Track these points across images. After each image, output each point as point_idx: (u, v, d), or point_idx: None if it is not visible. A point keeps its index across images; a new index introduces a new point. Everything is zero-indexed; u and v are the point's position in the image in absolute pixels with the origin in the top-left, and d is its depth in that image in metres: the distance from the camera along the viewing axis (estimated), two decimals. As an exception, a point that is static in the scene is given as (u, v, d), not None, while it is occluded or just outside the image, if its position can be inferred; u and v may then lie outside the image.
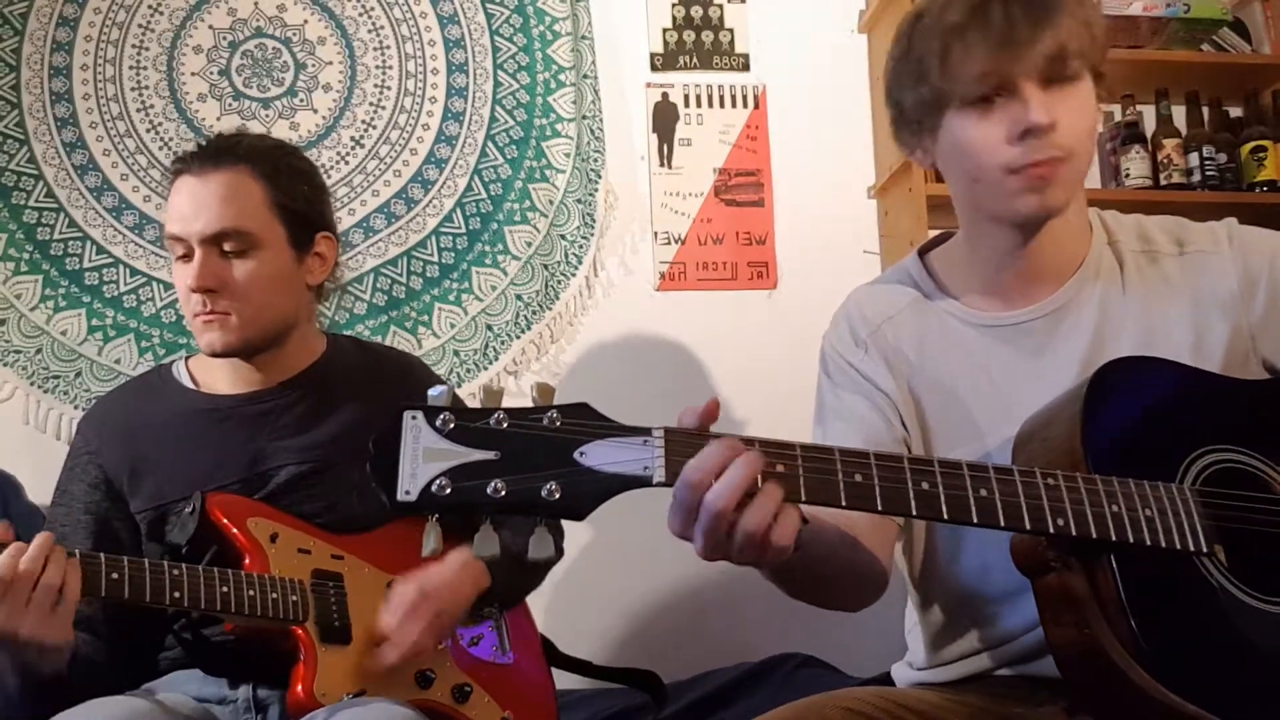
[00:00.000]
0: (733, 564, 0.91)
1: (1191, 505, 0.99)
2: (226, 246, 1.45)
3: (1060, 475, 0.96)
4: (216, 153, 1.48)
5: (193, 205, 1.45)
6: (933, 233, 1.45)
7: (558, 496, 0.82)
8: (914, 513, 0.92)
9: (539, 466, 0.82)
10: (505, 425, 0.83)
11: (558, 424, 0.84)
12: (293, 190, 1.51)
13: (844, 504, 0.90)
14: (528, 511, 0.83)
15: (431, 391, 0.84)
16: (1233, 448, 1.05)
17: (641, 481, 0.85)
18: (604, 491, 0.83)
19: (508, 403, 0.85)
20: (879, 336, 1.27)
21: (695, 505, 0.86)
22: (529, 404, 0.86)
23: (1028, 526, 0.94)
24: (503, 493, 0.81)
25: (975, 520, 0.93)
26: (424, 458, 0.81)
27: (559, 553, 1.48)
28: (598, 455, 0.84)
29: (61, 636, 1.23)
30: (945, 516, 0.92)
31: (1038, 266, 1.21)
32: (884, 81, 1.23)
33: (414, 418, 0.83)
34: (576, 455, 0.83)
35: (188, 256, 1.46)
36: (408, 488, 0.81)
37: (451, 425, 0.82)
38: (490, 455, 0.82)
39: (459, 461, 0.82)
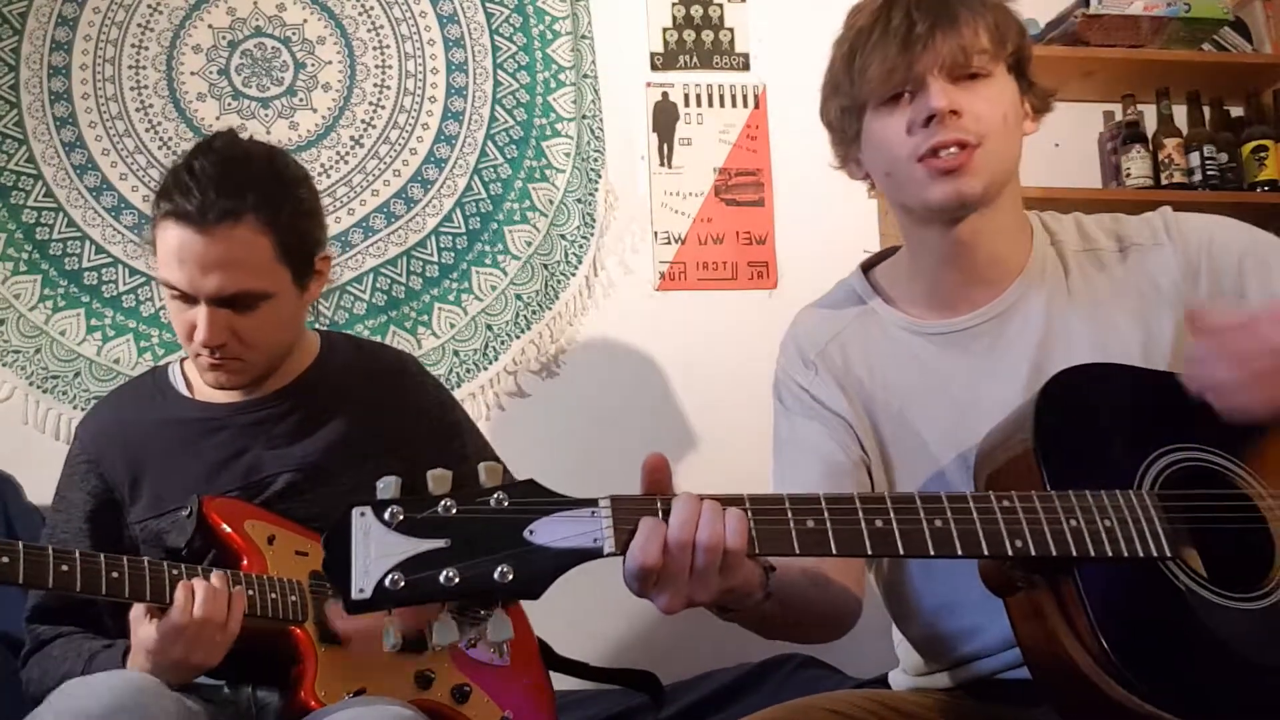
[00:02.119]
0: (699, 603, 0.90)
1: (1151, 510, 0.97)
2: (236, 303, 1.40)
3: (1015, 496, 0.95)
4: (220, 203, 1.36)
5: (199, 265, 1.37)
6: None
7: (511, 578, 0.81)
8: (869, 552, 0.92)
9: (490, 550, 0.82)
10: (454, 511, 0.83)
11: (505, 504, 0.84)
12: (296, 230, 1.44)
13: (797, 551, 0.90)
14: (482, 596, 0.82)
15: (379, 485, 0.84)
16: (1191, 445, 1.05)
17: (593, 554, 0.85)
18: (557, 568, 0.83)
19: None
20: (826, 357, 1.26)
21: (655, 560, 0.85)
22: (479, 486, 0.86)
23: (986, 552, 0.94)
24: (456, 580, 0.80)
25: (932, 552, 0.92)
26: (375, 553, 0.81)
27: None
28: (547, 532, 0.84)
29: (218, 660, 1.31)
30: (901, 552, 0.92)
31: (976, 269, 1.21)
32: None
33: (362, 514, 0.82)
34: (526, 534, 0.83)
35: (187, 300, 1.40)
36: (361, 585, 0.80)
37: (400, 517, 0.82)
38: (441, 544, 0.81)
39: (410, 554, 0.81)
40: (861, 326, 1.27)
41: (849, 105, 1.20)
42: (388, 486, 0.84)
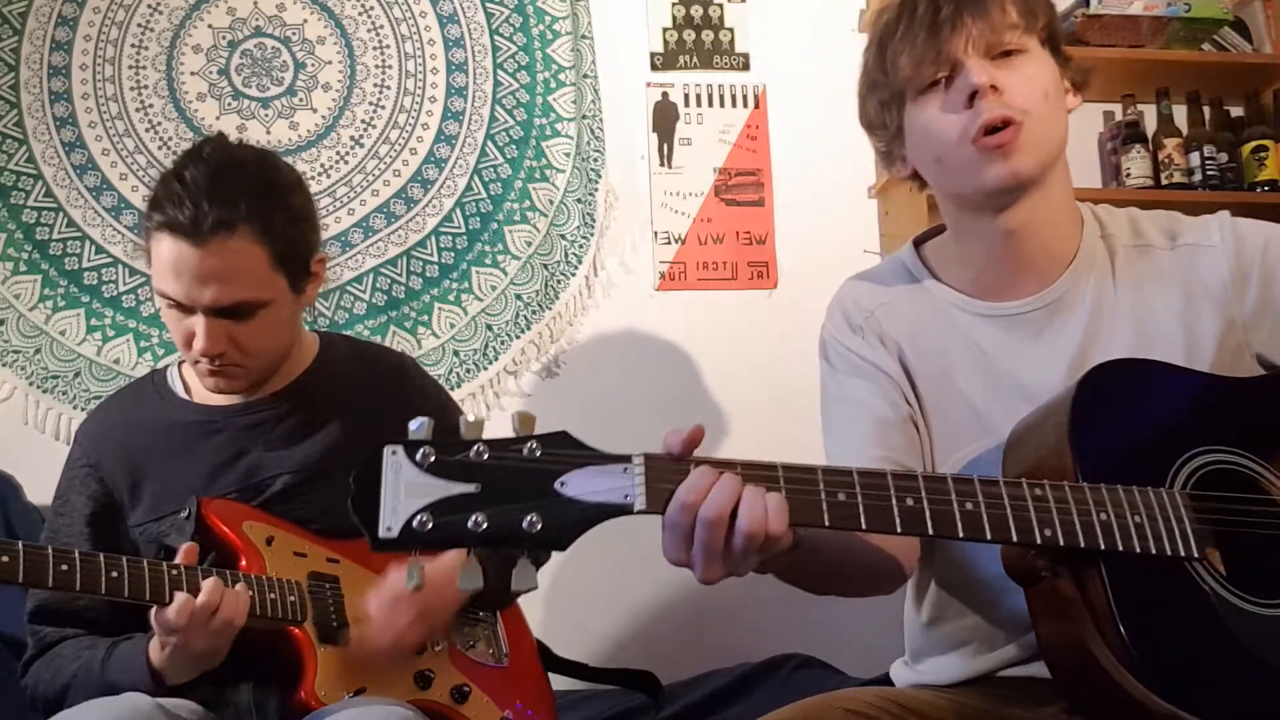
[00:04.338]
0: (737, 576, 0.90)
1: (1182, 510, 0.97)
2: (234, 313, 1.40)
3: (1047, 484, 0.95)
4: (213, 215, 1.35)
5: (194, 277, 1.36)
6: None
7: (539, 528, 0.81)
8: (899, 530, 0.91)
9: (520, 498, 0.82)
10: (486, 457, 0.83)
11: (538, 454, 0.84)
12: (291, 238, 1.43)
13: (827, 524, 0.89)
14: (510, 544, 0.82)
15: (411, 425, 0.83)
16: (1225, 448, 1.04)
17: (622, 509, 0.84)
18: (585, 521, 0.83)
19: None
20: (873, 321, 1.27)
21: (691, 524, 0.86)
22: (510, 428, 0.86)
23: (1015, 539, 0.93)
24: (484, 526, 0.80)
25: (961, 535, 0.92)
26: (405, 493, 0.80)
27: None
28: (578, 485, 0.83)
29: (224, 651, 1.33)
30: (930, 531, 0.92)
31: (1026, 258, 1.20)
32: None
33: (394, 453, 0.82)
34: (557, 485, 0.83)
35: (184, 309, 1.40)
36: (389, 524, 0.80)
37: (432, 459, 0.82)
38: (471, 488, 0.81)
39: (440, 496, 0.81)
40: (909, 299, 1.27)
41: (887, 99, 1.20)
42: (421, 427, 0.83)
